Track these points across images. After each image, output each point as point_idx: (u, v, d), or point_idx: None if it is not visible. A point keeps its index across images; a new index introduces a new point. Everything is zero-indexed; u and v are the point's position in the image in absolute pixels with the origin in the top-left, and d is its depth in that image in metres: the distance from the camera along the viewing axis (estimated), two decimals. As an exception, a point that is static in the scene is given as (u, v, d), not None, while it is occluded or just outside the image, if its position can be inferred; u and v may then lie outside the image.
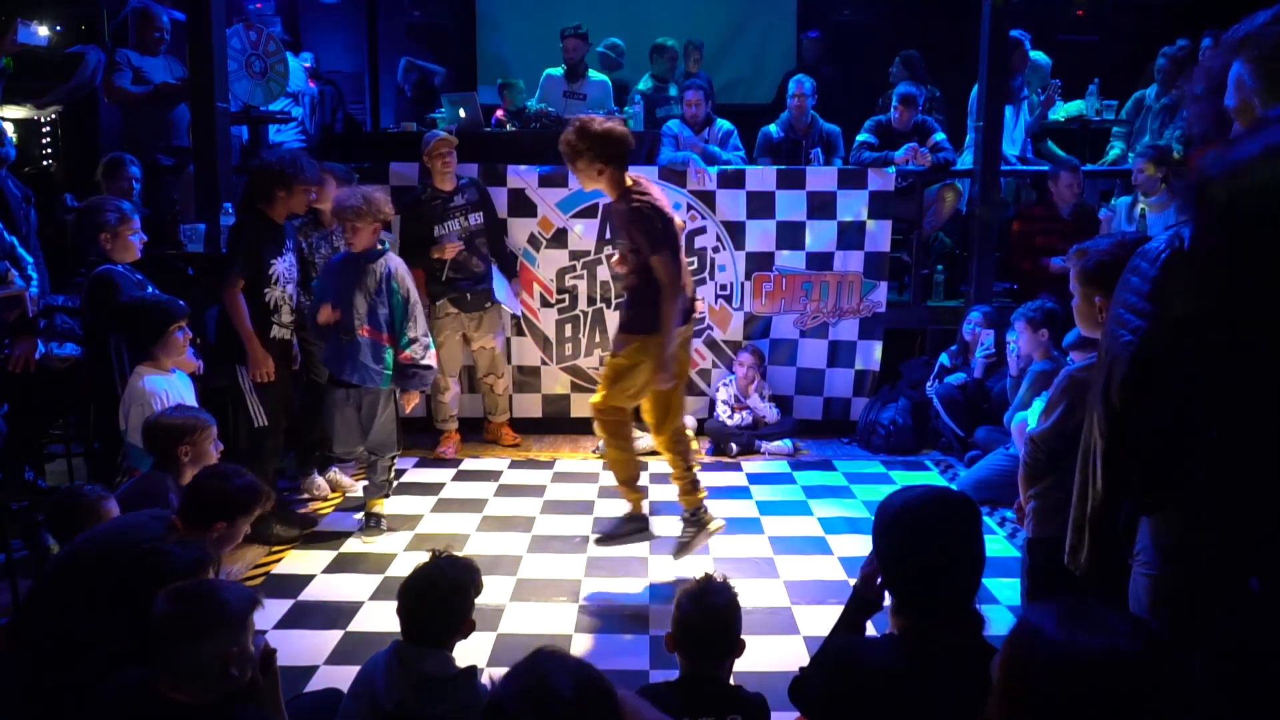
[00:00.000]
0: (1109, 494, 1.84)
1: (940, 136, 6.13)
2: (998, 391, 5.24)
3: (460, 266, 5.33)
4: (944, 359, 5.69)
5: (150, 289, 4.02)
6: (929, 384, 5.69)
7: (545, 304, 5.86)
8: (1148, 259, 1.76)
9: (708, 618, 2.21)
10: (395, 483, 4.61)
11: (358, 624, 3.57)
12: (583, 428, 5.90)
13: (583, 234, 5.79)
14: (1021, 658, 1.17)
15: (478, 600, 2.38)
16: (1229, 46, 1.69)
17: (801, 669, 2.03)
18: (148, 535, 2.43)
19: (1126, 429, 1.76)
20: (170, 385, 3.53)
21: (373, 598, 3.78)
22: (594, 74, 7.03)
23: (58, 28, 6.32)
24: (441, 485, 5.09)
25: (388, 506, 4.53)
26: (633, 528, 4.02)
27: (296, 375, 4.63)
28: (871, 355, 5.95)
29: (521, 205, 5.76)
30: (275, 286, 4.22)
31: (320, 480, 4.95)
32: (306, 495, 4.88)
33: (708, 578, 2.31)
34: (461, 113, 5.97)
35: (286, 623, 3.56)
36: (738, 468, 5.42)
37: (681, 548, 3.96)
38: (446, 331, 5.40)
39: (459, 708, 2.18)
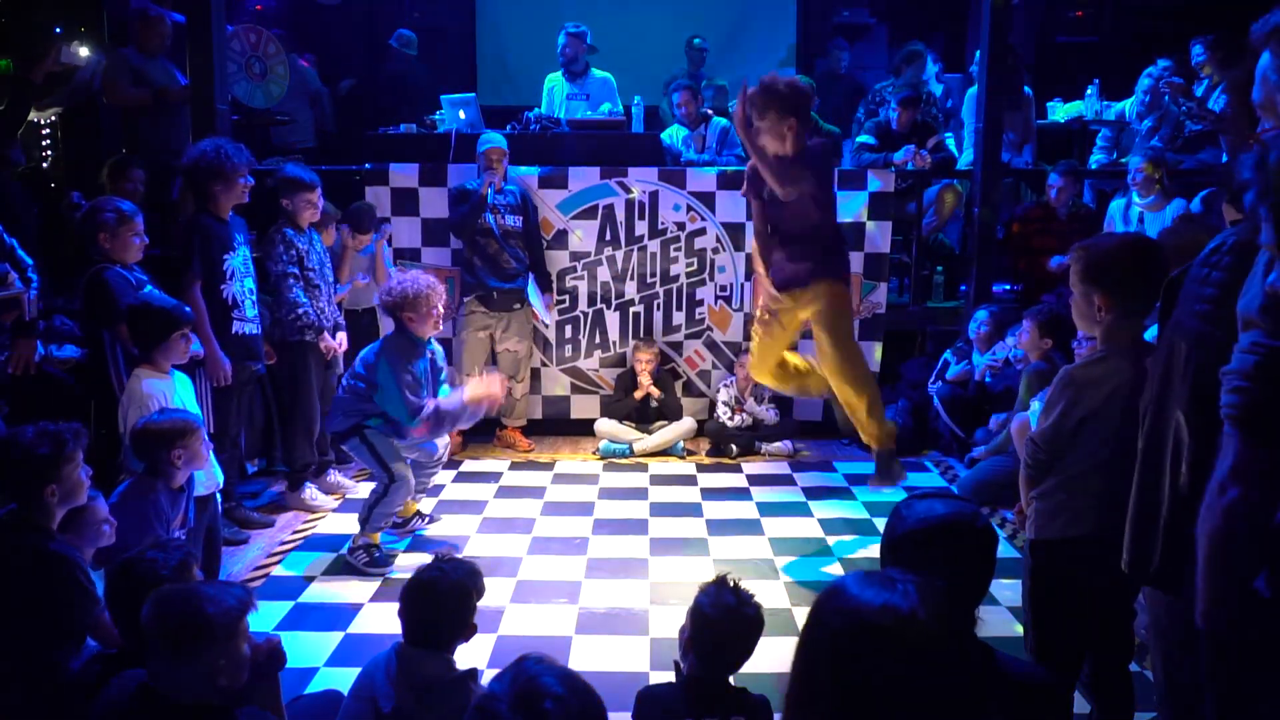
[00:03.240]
0: (1195, 496, 1.80)
1: (941, 136, 6.14)
2: (1001, 390, 5.24)
3: (491, 261, 5.35)
4: (949, 355, 5.68)
5: (149, 288, 4.02)
6: (931, 382, 5.69)
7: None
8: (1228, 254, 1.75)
9: (735, 628, 2.19)
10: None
11: (358, 626, 3.57)
12: (583, 429, 5.91)
13: (583, 235, 5.79)
14: (820, 606, 1.32)
15: (478, 602, 2.38)
16: (1258, 38, 1.65)
17: None
18: None
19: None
20: (168, 388, 3.52)
21: (373, 599, 3.78)
22: (596, 72, 7.02)
23: (57, 29, 6.34)
24: (441, 487, 5.09)
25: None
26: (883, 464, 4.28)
27: (297, 370, 4.66)
28: (871, 356, 5.94)
29: (521, 206, 5.76)
30: (231, 282, 4.23)
31: (311, 490, 4.83)
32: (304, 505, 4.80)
33: (735, 586, 2.28)
34: (461, 114, 5.97)
35: (287, 624, 3.56)
36: (738, 469, 5.43)
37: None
38: (471, 329, 5.42)
39: (459, 710, 2.18)
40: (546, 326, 5.80)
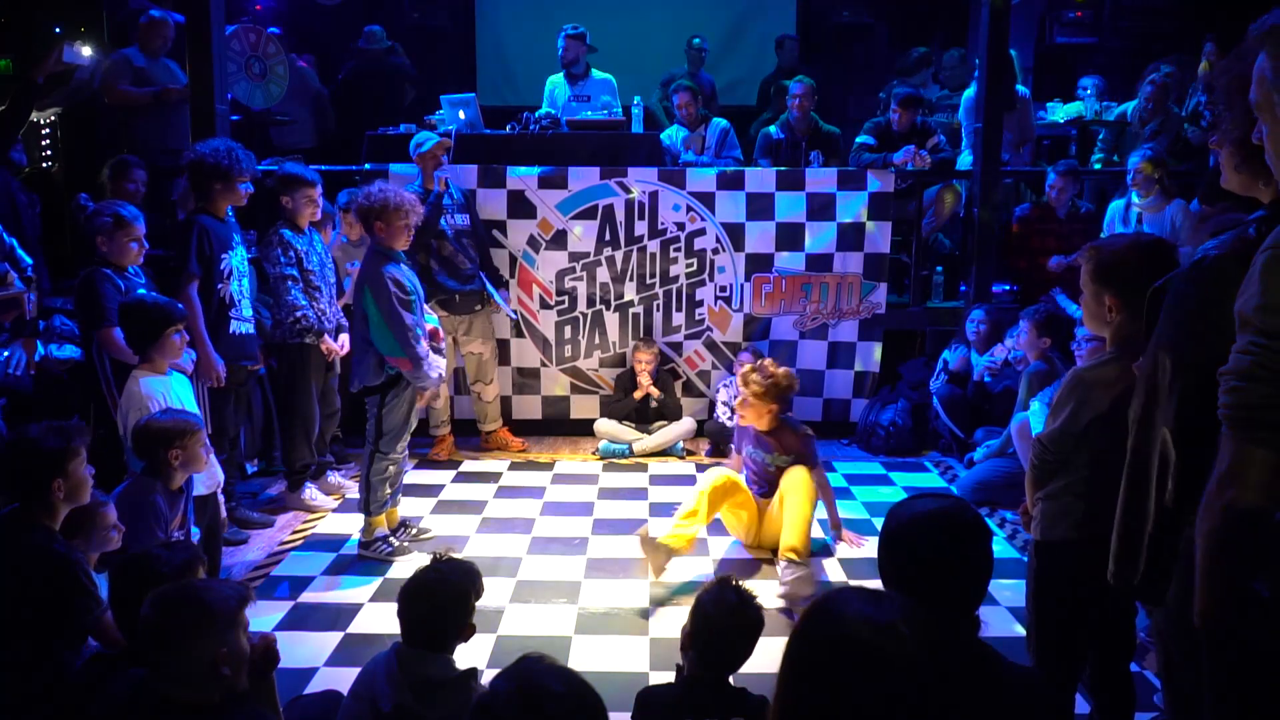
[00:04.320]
0: (1180, 510, 1.79)
1: (941, 139, 6.14)
2: (1000, 391, 5.24)
3: (448, 264, 5.31)
4: (947, 355, 5.68)
5: (141, 290, 4.02)
6: (933, 381, 5.68)
7: (545, 305, 5.86)
8: (1210, 269, 1.72)
9: (737, 627, 2.19)
10: None
11: (357, 625, 3.56)
12: (582, 429, 5.91)
13: (582, 235, 5.79)
14: (805, 619, 1.37)
15: (477, 602, 2.38)
16: (1255, 39, 1.64)
17: None
18: None
19: (1207, 441, 1.71)
20: (166, 388, 3.52)
21: (372, 599, 3.78)
22: (596, 73, 7.02)
23: (57, 29, 6.34)
24: (441, 487, 5.09)
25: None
26: None
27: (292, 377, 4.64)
28: (871, 357, 5.96)
29: (521, 207, 5.76)
30: (228, 281, 4.23)
31: (311, 491, 4.83)
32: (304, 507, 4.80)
33: (738, 585, 2.28)
34: (461, 114, 5.97)
35: (286, 624, 3.56)
36: (737, 469, 5.42)
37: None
38: None
39: (459, 710, 2.18)
40: (512, 319, 5.76)
